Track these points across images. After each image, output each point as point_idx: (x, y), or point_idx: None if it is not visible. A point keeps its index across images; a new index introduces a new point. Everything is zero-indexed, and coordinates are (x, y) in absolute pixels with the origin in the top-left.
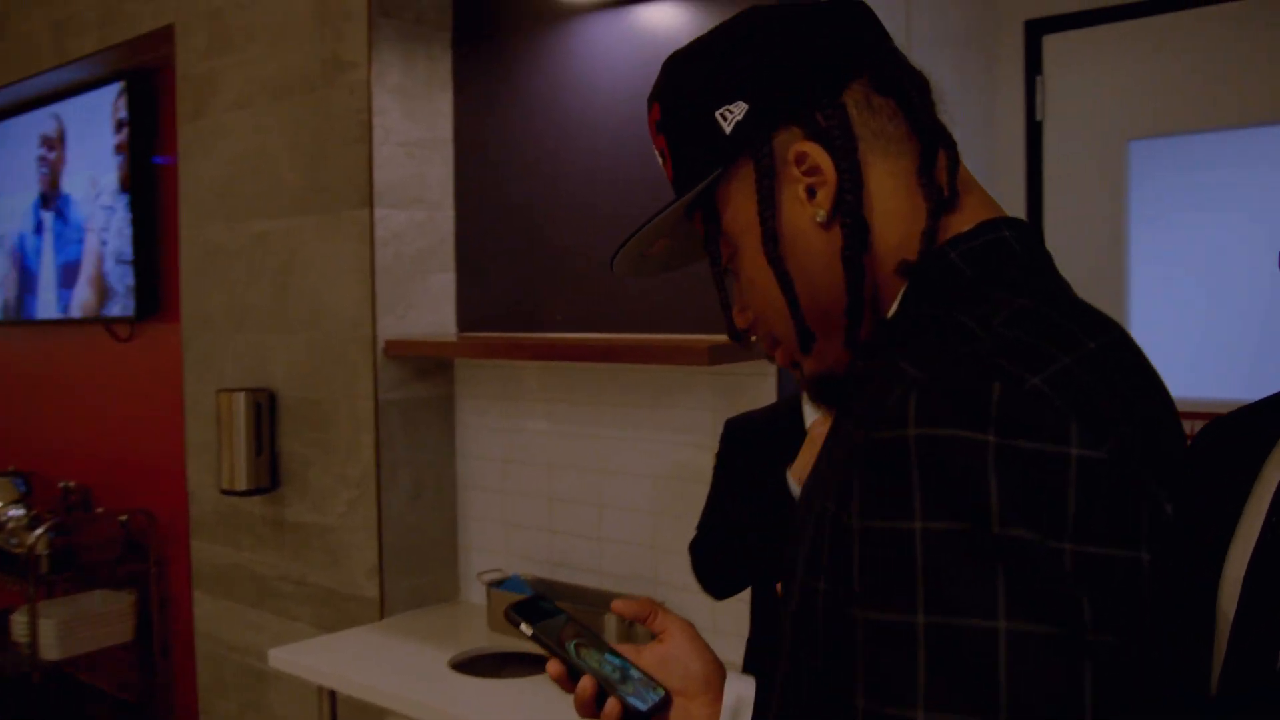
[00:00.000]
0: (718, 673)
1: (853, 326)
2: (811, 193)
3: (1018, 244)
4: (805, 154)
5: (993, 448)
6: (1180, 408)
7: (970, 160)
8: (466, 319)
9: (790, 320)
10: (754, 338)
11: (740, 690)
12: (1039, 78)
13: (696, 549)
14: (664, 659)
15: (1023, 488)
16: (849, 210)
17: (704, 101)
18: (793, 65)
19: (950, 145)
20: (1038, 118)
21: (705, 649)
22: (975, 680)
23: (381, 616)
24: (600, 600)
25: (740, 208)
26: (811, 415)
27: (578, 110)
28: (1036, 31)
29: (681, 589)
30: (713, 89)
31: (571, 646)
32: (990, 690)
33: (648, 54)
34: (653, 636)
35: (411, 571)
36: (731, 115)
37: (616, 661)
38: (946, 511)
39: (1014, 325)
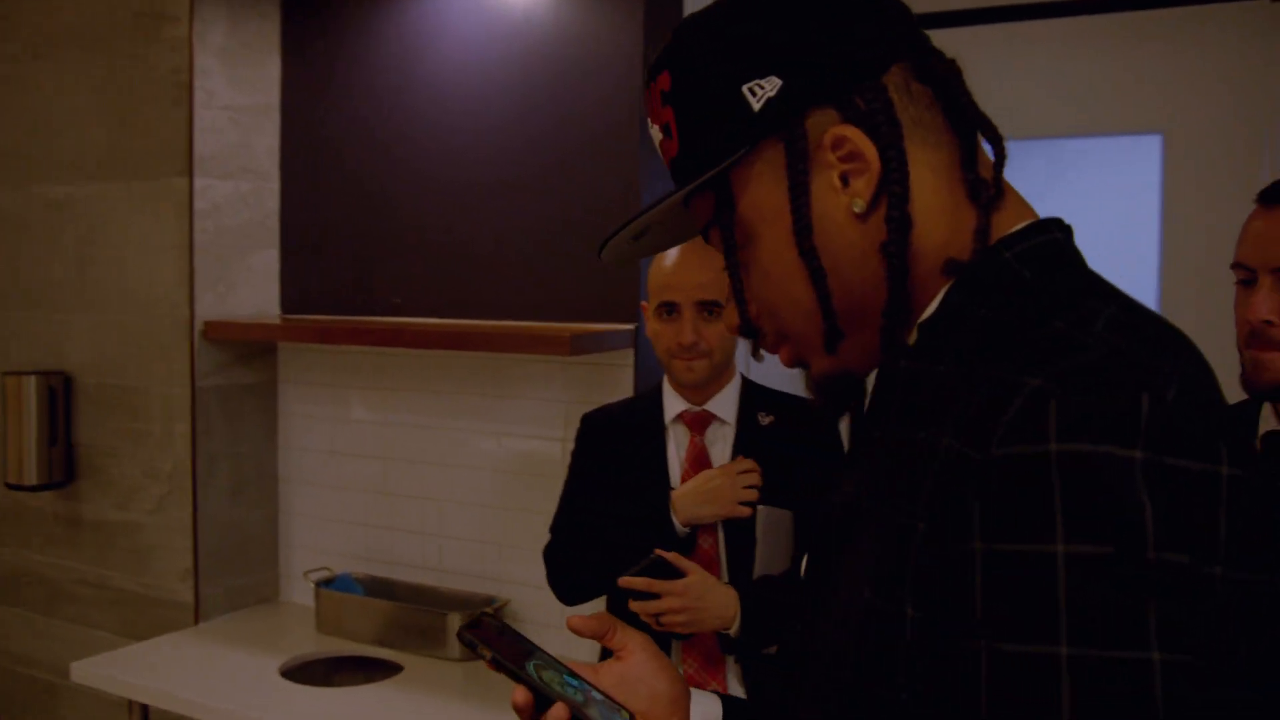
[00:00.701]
0: (684, 693)
1: (889, 326)
2: (846, 180)
3: (1067, 248)
4: (844, 138)
5: (1140, 464)
6: None
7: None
8: (291, 300)
9: (816, 316)
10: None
11: (706, 709)
12: None
13: (551, 554)
14: (624, 678)
15: (1176, 508)
16: (895, 202)
17: (731, 73)
18: (832, 41)
19: (997, 139)
20: None
21: (668, 665)
22: (1126, 713)
23: (196, 621)
24: (439, 600)
25: (763, 193)
26: (673, 409)
27: (421, 79)
28: None
29: (526, 585)
30: (742, 60)
31: (532, 668)
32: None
33: (493, 21)
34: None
35: (229, 572)
36: (762, 91)
37: (575, 683)
38: (1093, 534)
39: (1115, 331)
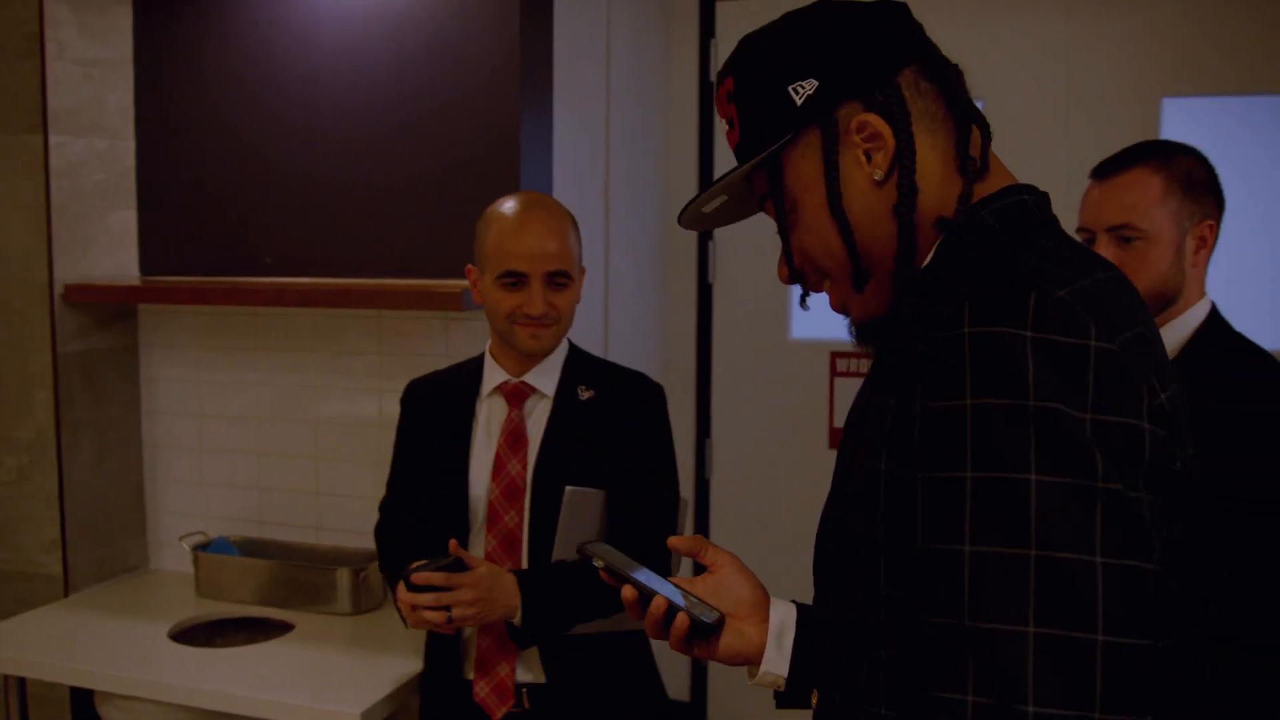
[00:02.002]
0: (764, 598)
1: (900, 270)
2: (869, 157)
3: (1034, 206)
4: (867, 123)
5: (1029, 341)
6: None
7: (646, 119)
8: (152, 261)
9: (846, 262)
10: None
11: (783, 614)
12: (713, 41)
13: (377, 535)
14: (716, 587)
15: (1054, 370)
16: (905, 172)
17: (779, 77)
18: (857, 50)
19: (984, 125)
20: (710, 78)
21: (751, 577)
22: (1012, 520)
23: (66, 594)
24: (320, 557)
25: (804, 169)
26: (492, 380)
27: (292, 26)
28: None
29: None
30: (787, 66)
31: (643, 576)
32: (1023, 527)
33: None
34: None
35: (98, 542)
36: (803, 90)
37: (676, 590)
38: (993, 390)
39: (1043, 258)
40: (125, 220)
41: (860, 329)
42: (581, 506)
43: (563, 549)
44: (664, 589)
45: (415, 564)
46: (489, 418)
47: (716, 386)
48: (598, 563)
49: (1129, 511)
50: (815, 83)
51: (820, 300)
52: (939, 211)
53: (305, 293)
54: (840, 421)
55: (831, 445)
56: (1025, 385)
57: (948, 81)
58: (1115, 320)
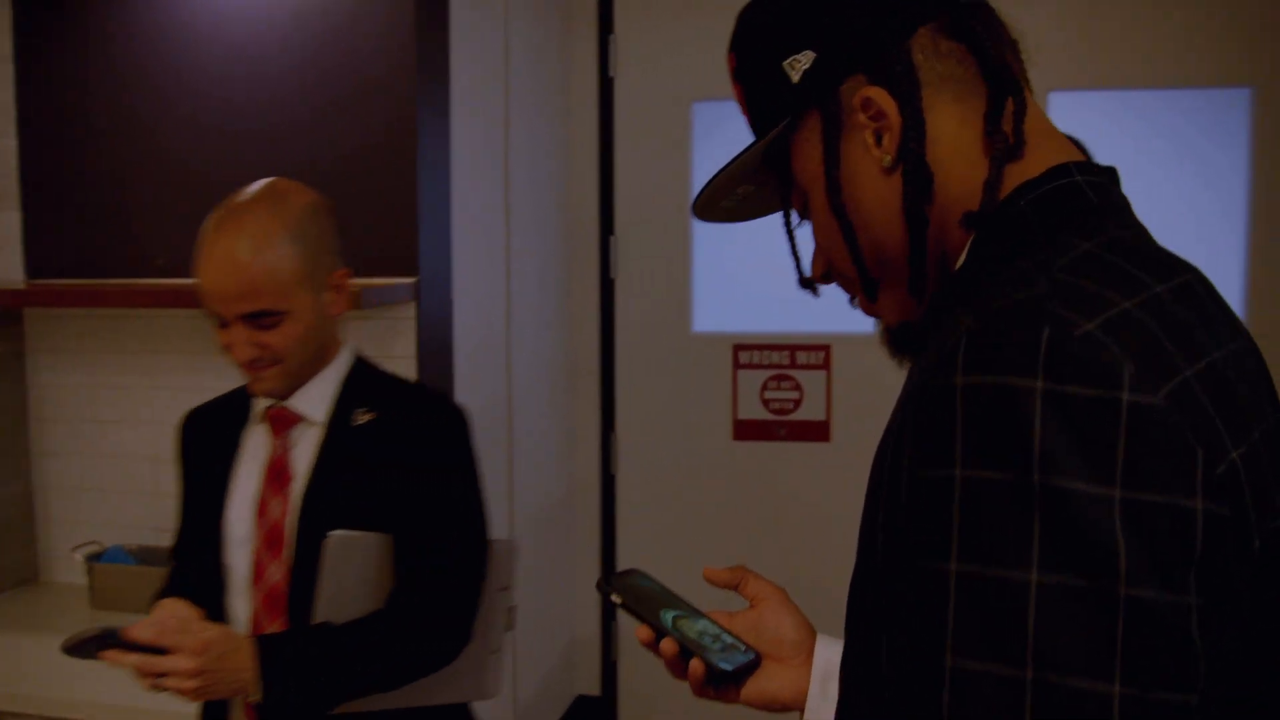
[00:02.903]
0: (809, 637)
1: (915, 276)
2: (879, 138)
3: (1090, 189)
4: (870, 99)
5: (1040, 394)
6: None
7: (546, 116)
8: (39, 264)
9: (853, 267)
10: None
11: (829, 654)
12: (611, 38)
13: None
14: (756, 624)
15: (1070, 433)
16: (911, 157)
17: (772, 51)
18: (858, 13)
19: (1017, 91)
20: (610, 74)
21: (796, 613)
22: (1003, 629)
23: None
24: None
25: (809, 156)
26: (261, 402)
27: (183, 21)
28: None
29: None
30: (780, 38)
31: (668, 617)
32: (1018, 639)
33: None
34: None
35: None
36: (799, 65)
37: (709, 627)
38: (988, 460)
39: (1074, 270)
40: (8, 222)
41: (891, 337)
42: (350, 555)
43: (328, 609)
44: (691, 629)
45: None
46: (255, 450)
47: (620, 381)
48: (615, 599)
49: (1164, 626)
50: (812, 55)
51: (714, 290)
52: (968, 204)
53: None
54: (744, 412)
55: (736, 437)
56: (1031, 455)
57: (976, 37)
58: (1167, 357)
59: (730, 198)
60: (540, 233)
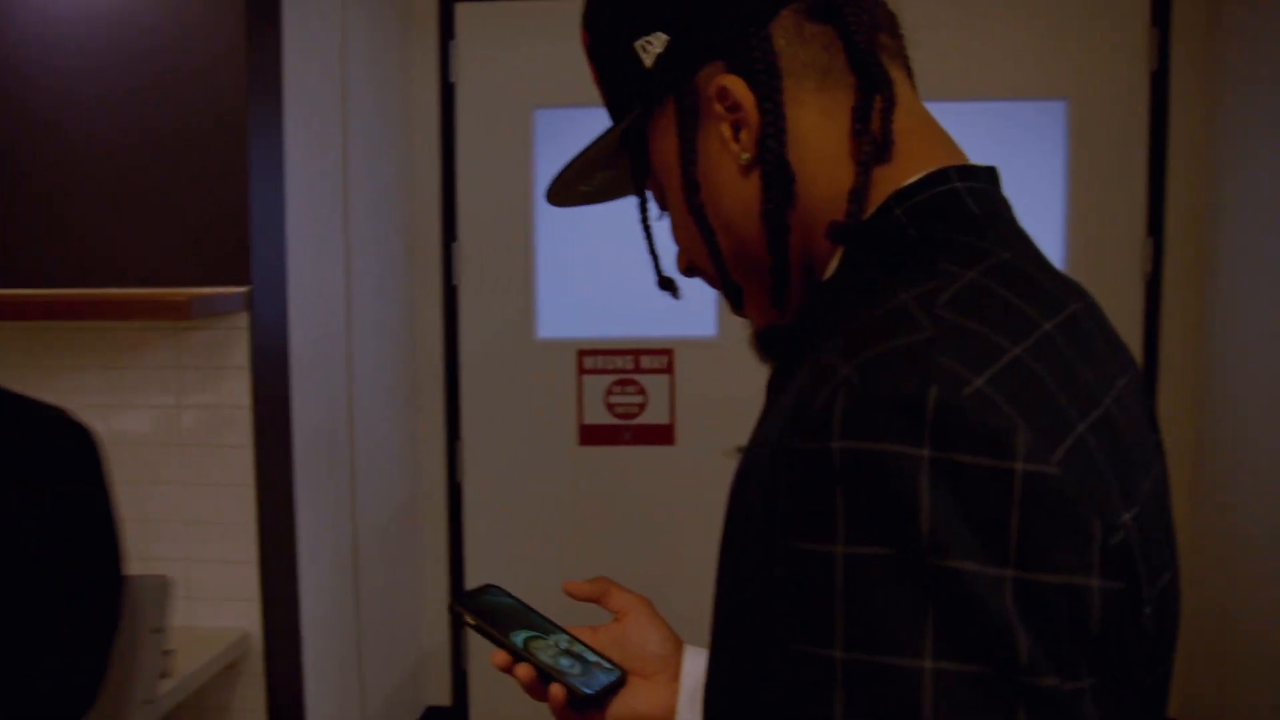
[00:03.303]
0: (676, 650)
1: (777, 287)
2: (736, 132)
3: (971, 197)
4: (726, 88)
5: (927, 463)
6: (606, 345)
7: (386, 122)
8: None
9: (714, 270)
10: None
11: (697, 668)
12: (452, 43)
13: None
14: (620, 638)
15: (960, 509)
16: (770, 156)
17: (623, 30)
18: None
19: (885, 85)
20: (451, 80)
21: (663, 626)
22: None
23: None
24: None
25: (665, 147)
26: None
27: (3, 26)
28: None
29: (164, 560)
30: (631, 17)
31: (520, 637)
32: None
33: None
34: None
35: None
36: (652, 48)
37: (571, 645)
38: (873, 536)
39: (959, 307)
40: None
41: (759, 341)
42: None
43: None
44: (548, 649)
45: None
46: None
47: (465, 388)
48: (469, 620)
49: (1064, 713)
50: (665, 38)
51: (558, 297)
52: (832, 208)
53: (22, 305)
54: (589, 417)
55: (581, 442)
56: (919, 531)
57: (843, 21)
58: (1060, 412)
59: (587, 183)
60: (381, 239)
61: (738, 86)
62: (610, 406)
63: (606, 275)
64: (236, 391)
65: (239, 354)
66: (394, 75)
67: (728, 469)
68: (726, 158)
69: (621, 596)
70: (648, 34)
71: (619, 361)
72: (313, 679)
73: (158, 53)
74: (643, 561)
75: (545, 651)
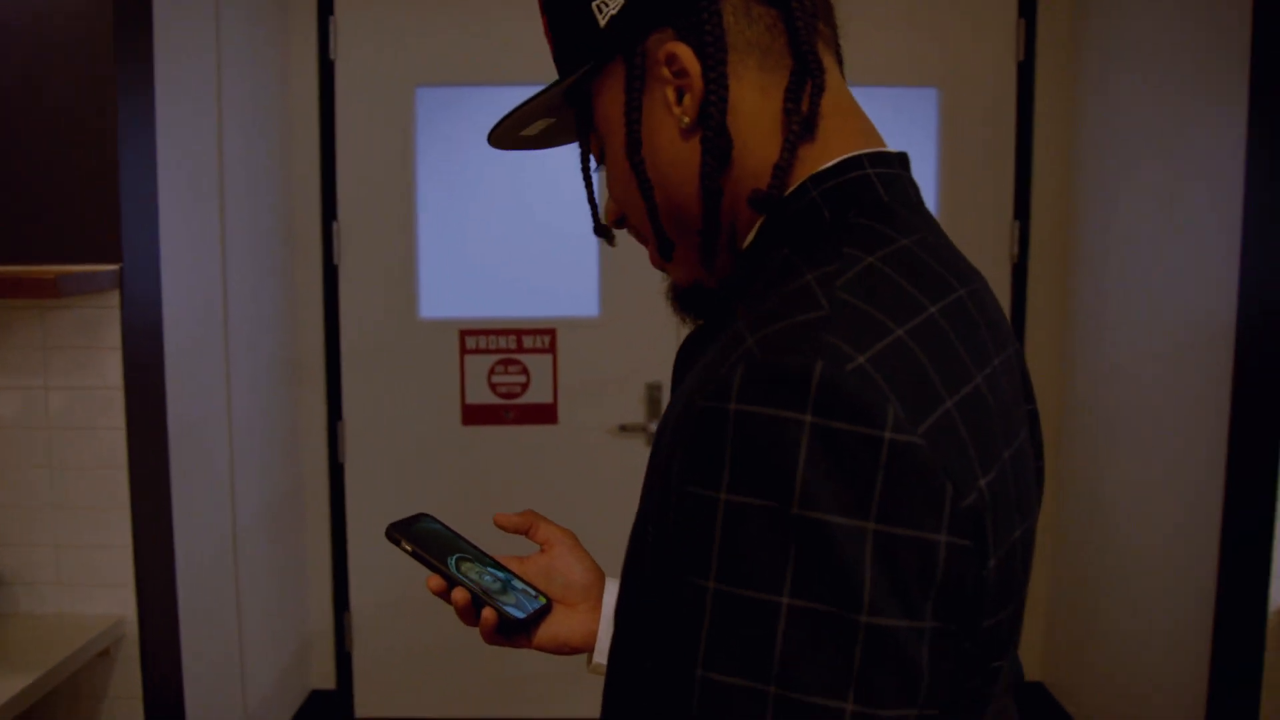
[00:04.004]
0: (598, 581)
1: (706, 247)
2: (680, 96)
3: (881, 183)
4: (675, 55)
5: (808, 428)
6: (494, 325)
7: (263, 99)
8: None
9: (648, 223)
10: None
11: (615, 594)
12: (331, 19)
13: None
14: (547, 569)
15: (831, 468)
16: (711, 123)
17: None
18: None
19: (814, 70)
20: (330, 57)
21: (585, 558)
22: (751, 648)
23: None
24: None
25: (610, 104)
26: None
27: None
28: None
29: (24, 545)
30: None
31: (453, 561)
32: (764, 659)
33: None
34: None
35: None
36: (607, 9)
37: (500, 574)
38: (752, 487)
39: (855, 289)
40: None
41: (679, 296)
42: None
43: None
44: (481, 575)
45: None
46: None
47: (347, 369)
48: (406, 547)
49: (898, 651)
50: (621, 1)
51: (440, 276)
52: (758, 179)
53: None
54: (472, 397)
55: (465, 422)
56: (793, 486)
57: (788, 7)
58: (931, 389)
59: (528, 129)
60: (258, 218)
61: (686, 54)
62: (493, 386)
63: (489, 255)
64: (108, 373)
65: (110, 334)
66: (271, 52)
67: (610, 447)
68: (669, 120)
69: (548, 529)
70: None
71: (501, 341)
72: (191, 664)
73: (18, 20)
74: (526, 539)
75: (478, 577)
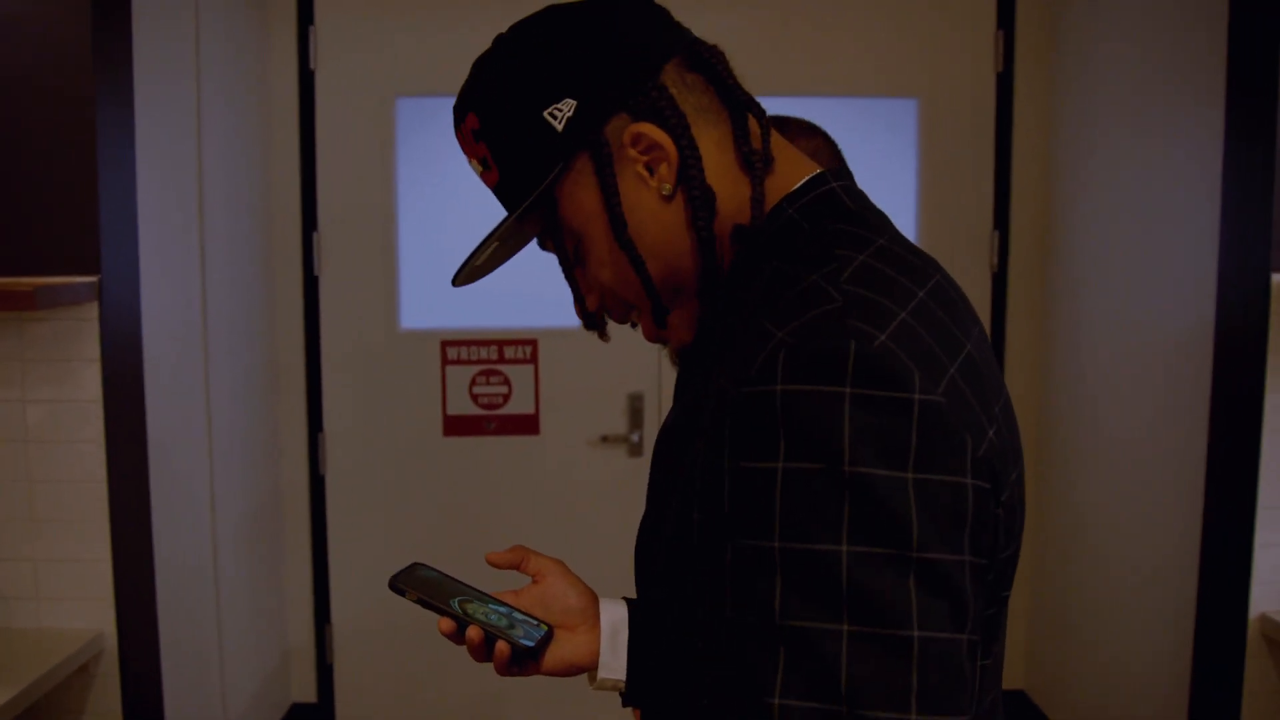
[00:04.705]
0: (593, 603)
1: (705, 289)
2: (650, 170)
3: (845, 194)
4: (641, 134)
5: (848, 398)
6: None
7: (243, 110)
8: None
9: (644, 295)
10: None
11: (613, 615)
12: (311, 28)
13: None
14: (542, 598)
15: (872, 430)
16: (694, 181)
17: (529, 103)
18: (611, 56)
19: (760, 112)
20: (310, 67)
21: (577, 583)
22: (822, 593)
23: None
24: None
25: (581, 199)
26: None
27: None
28: None
29: (3, 562)
30: (537, 90)
31: (456, 604)
32: (835, 601)
33: None
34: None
35: None
36: (561, 113)
37: (500, 609)
38: (805, 454)
39: (858, 282)
40: None
41: (683, 357)
42: None
43: None
44: (486, 613)
45: None
46: None
47: (328, 380)
48: (410, 597)
49: (948, 582)
50: (573, 102)
51: (421, 287)
52: (735, 218)
53: None
54: (454, 408)
55: (446, 433)
56: (841, 448)
57: (712, 68)
58: (937, 358)
59: (479, 256)
60: (238, 229)
61: (652, 130)
62: (475, 397)
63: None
64: (86, 385)
65: (89, 346)
66: (251, 62)
67: (592, 458)
68: (645, 192)
69: (538, 561)
70: (556, 101)
71: (483, 352)
72: (171, 679)
73: None
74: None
75: (483, 615)
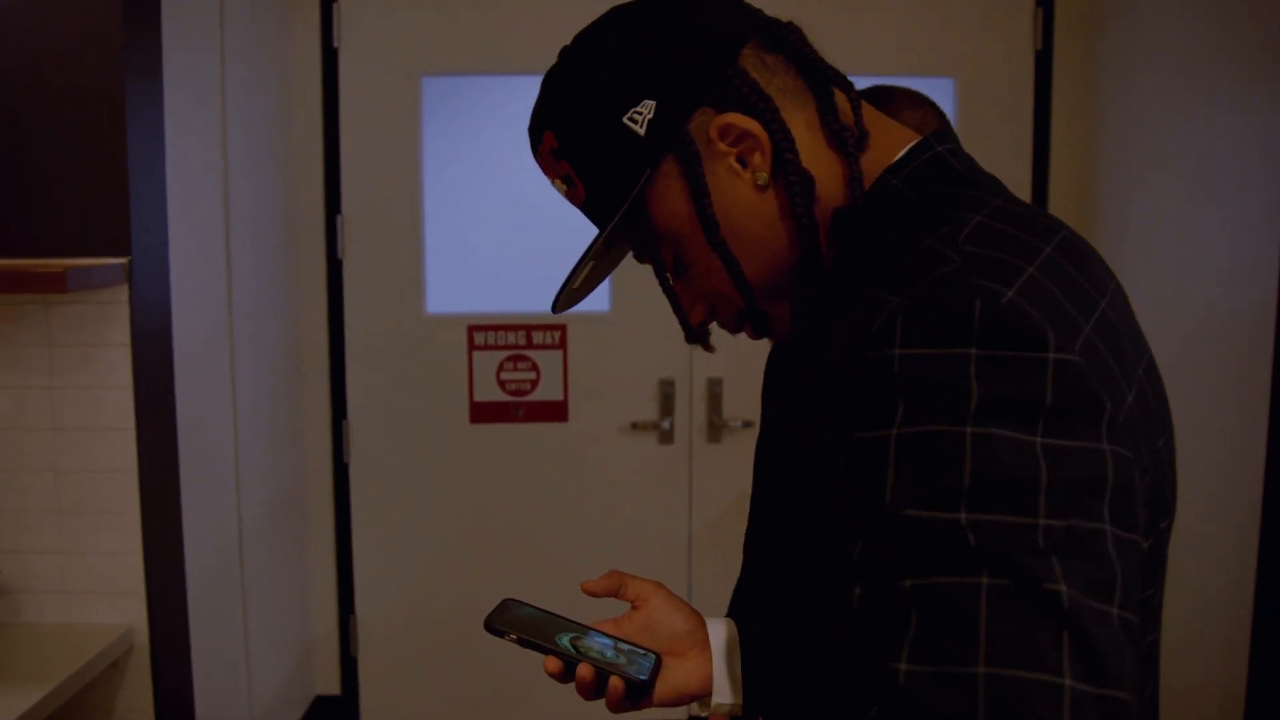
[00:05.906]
0: (699, 625)
1: (804, 280)
2: (743, 162)
3: (953, 157)
4: (729, 125)
5: (974, 359)
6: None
7: (266, 86)
8: None
9: (744, 300)
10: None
11: (723, 636)
12: (335, 6)
13: None
14: (647, 625)
15: (1002, 390)
16: (790, 166)
17: (607, 111)
18: (685, 49)
19: (847, 85)
20: (334, 45)
21: (682, 605)
22: (940, 555)
23: None
24: None
25: (674, 203)
26: None
27: None
28: None
29: (19, 552)
30: (612, 96)
31: (566, 640)
32: (961, 563)
33: None
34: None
35: None
36: (641, 116)
37: (605, 640)
38: (925, 418)
39: (978, 242)
40: None
41: (773, 355)
42: None
43: None
44: (591, 646)
45: None
46: None
47: (351, 366)
48: (510, 638)
49: (1086, 548)
50: (652, 103)
51: (447, 271)
52: (834, 201)
53: None
54: (481, 395)
55: (473, 420)
56: (966, 410)
57: (792, 45)
58: (1073, 313)
59: (576, 279)
60: (261, 211)
61: (739, 119)
62: (502, 383)
63: (497, 249)
64: (116, 371)
65: (118, 331)
66: (274, 40)
67: (622, 445)
68: (740, 185)
69: (637, 585)
70: (635, 105)
71: (511, 337)
72: (201, 675)
73: (26, 9)
74: (538, 539)
75: (591, 650)
